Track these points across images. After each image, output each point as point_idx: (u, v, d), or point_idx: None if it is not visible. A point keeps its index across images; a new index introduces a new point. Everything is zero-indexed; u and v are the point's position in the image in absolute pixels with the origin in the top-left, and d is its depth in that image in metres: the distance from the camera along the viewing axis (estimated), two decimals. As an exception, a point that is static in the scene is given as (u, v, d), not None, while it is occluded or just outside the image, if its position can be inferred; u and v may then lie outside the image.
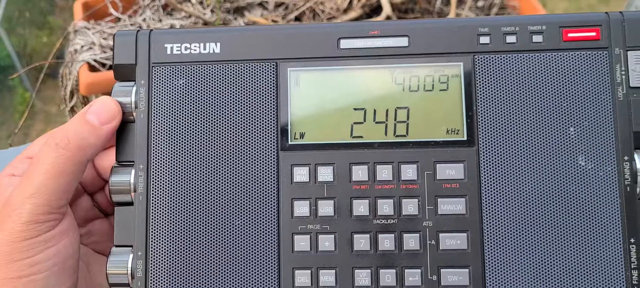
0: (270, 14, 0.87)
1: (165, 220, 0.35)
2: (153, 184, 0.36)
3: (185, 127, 0.36)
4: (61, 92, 0.81)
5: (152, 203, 0.35)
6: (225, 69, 0.36)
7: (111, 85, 0.38)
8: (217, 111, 0.36)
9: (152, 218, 0.35)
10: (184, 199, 0.35)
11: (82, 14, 0.86)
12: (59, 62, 0.85)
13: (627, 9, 1.21)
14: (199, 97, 0.36)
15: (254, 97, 0.36)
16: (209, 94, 0.36)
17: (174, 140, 0.36)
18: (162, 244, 0.35)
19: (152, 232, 0.35)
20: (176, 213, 0.35)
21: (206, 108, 0.36)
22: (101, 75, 0.78)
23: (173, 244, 0.35)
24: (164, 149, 0.36)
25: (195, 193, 0.35)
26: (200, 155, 0.36)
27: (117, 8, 0.88)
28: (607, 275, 0.33)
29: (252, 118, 0.36)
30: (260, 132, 0.36)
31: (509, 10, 0.91)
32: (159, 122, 0.36)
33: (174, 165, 0.36)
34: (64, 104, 0.82)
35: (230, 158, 0.36)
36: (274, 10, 0.87)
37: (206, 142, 0.36)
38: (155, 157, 0.36)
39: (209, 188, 0.35)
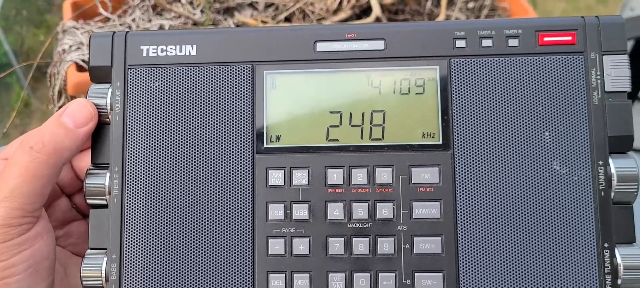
0: (260, 14, 0.86)
1: (139, 224, 0.35)
2: (128, 187, 0.35)
3: (160, 130, 0.36)
4: (49, 91, 0.81)
5: (127, 206, 0.35)
6: (201, 72, 0.36)
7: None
8: (193, 114, 0.36)
9: (127, 222, 0.35)
10: (159, 202, 0.35)
11: (72, 14, 0.86)
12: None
13: (622, 9, 1.20)
14: (174, 100, 0.36)
15: (230, 100, 0.36)
16: (185, 97, 0.36)
17: (149, 142, 0.36)
18: (136, 247, 0.35)
19: (126, 235, 0.35)
20: (150, 217, 0.35)
21: (182, 110, 0.36)
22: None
23: (147, 247, 0.35)
24: (139, 152, 0.36)
25: (170, 196, 0.35)
26: (175, 158, 0.36)
27: (106, 8, 0.87)
28: (581, 280, 0.33)
29: (227, 121, 0.36)
30: (235, 134, 0.36)
31: (500, 12, 0.91)
32: (134, 124, 0.36)
33: (149, 167, 0.36)
34: (53, 104, 0.82)
35: (206, 161, 0.35)
36: (264, 10, 0.87)
37: (181, 145, 0.36)
38: (130, 160, 0.36)
39: (183, 191, 0.35)
